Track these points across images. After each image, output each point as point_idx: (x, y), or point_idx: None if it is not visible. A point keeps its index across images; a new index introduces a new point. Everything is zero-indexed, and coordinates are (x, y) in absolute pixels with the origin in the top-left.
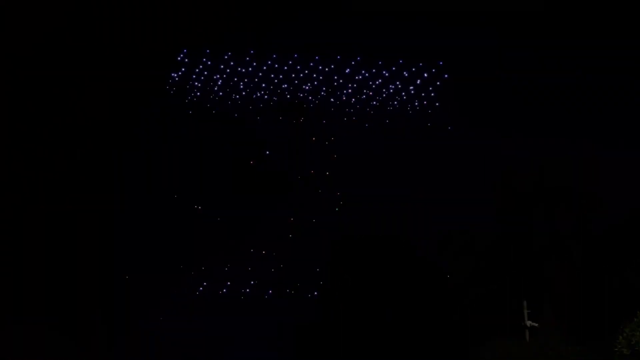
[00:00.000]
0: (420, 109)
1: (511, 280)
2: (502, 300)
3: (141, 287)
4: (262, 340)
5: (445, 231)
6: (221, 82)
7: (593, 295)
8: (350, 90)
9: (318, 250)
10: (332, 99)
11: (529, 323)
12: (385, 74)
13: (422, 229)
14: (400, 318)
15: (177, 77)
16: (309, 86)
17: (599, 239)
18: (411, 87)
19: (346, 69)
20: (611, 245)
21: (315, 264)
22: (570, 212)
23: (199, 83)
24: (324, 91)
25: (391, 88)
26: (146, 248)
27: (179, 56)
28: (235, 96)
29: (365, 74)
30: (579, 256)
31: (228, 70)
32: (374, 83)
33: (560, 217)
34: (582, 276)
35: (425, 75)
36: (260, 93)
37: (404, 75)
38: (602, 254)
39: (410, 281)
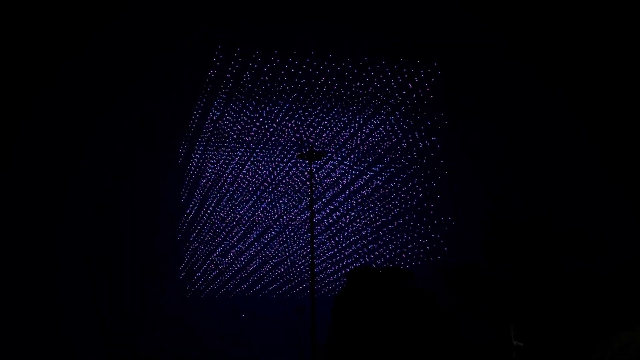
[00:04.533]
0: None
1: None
2: (492, 324)
3: None
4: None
5: (441, 263)
6: None
7: (578, 315)
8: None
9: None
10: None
11: (515, 343)
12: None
13: (420, 259)
14: (398, 341)
15: None
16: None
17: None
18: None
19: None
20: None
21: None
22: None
23: None
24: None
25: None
26: None
27: None
28: None
29: None
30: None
31: None
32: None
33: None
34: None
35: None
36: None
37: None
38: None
39: (409, 308)
